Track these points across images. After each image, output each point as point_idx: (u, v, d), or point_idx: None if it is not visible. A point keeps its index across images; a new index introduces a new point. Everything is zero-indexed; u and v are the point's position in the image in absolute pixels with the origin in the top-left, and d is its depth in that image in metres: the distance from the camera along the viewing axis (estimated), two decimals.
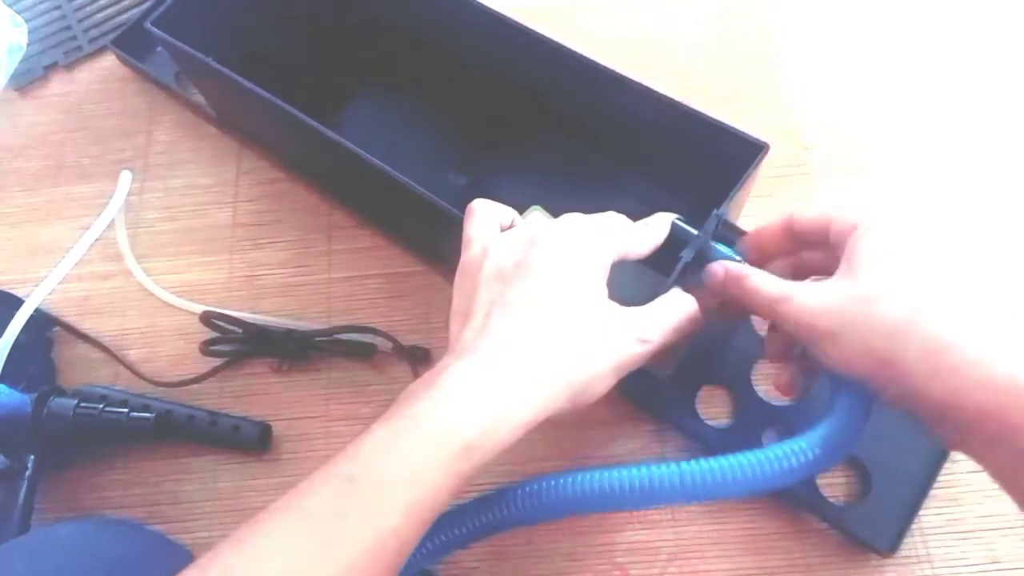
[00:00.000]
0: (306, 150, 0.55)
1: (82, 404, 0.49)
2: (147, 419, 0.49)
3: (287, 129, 0.52)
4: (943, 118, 0.57)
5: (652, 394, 0.49)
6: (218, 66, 0.50)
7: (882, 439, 0.46)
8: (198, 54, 0.50)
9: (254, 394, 0.53)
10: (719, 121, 0.45)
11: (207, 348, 0.53)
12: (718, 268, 0.39)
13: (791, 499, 0.46)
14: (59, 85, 0.66)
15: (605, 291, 0.37)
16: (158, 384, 0.53)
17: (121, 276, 0.57)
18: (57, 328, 0.56)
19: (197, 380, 0.53)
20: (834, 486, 0.46)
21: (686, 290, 0.40)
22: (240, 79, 0.49)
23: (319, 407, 0.52)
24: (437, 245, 0.54)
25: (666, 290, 0.40)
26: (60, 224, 0.60)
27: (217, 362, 0.53)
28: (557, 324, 0.35)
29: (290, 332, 0.53)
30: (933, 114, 0.57)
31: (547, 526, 0.47)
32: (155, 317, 0.56)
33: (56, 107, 0.65)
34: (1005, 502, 0.45)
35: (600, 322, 0.36)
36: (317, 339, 0.52)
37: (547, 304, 0.35)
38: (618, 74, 0.47)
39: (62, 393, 0.50)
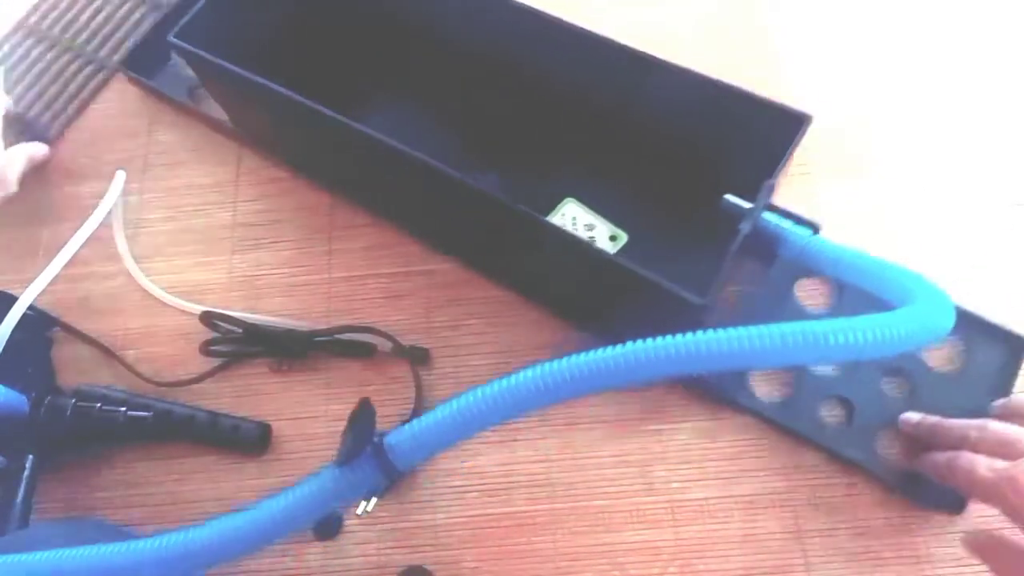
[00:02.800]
0: (336, 155, 0.55)
1: (79, 403, 0.49)
2: (145, 418, 0.49)
3: (319, 135, 0.51)
4: (943, 117, 0.57)
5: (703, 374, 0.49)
6: (254, 76, 0.48)
7: (927, 407, 0.47)
8: (238, 68, 0.49)
9: (254, 394, 0.53)
10: (759, 95, 0.45)
11: (207, 348, 0.53)
12: (909, 419, 0.45)
13: (852, 465, 0.47)
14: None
15: None
16: (159, 384, 0.53)
17: (121, 276, 0.57)
18: (57, 328, 0.56)
19: (197, 380, 0.53)
20: (893, 453, 0.47)
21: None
22: (276, 87, 0.48)
23: (319, 407, 0.52)
24: (476, 240, 0.53)
25: (727, 262, 0.40)
26: (60, 224, 0.60)
27: (217, 362, 0.53)
28: None
29: (290, 332, 0.53)
30: (933, 113, 0.57)
31: (546, 525, 0.47)
32: (155, 317, 0.56)
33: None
34: None
35: None
36: (317, 339, 0.52)
37: None
38: (649, 56, 0.47)
39: (60, 392, 0.50)
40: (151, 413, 0.50)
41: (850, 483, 0.47)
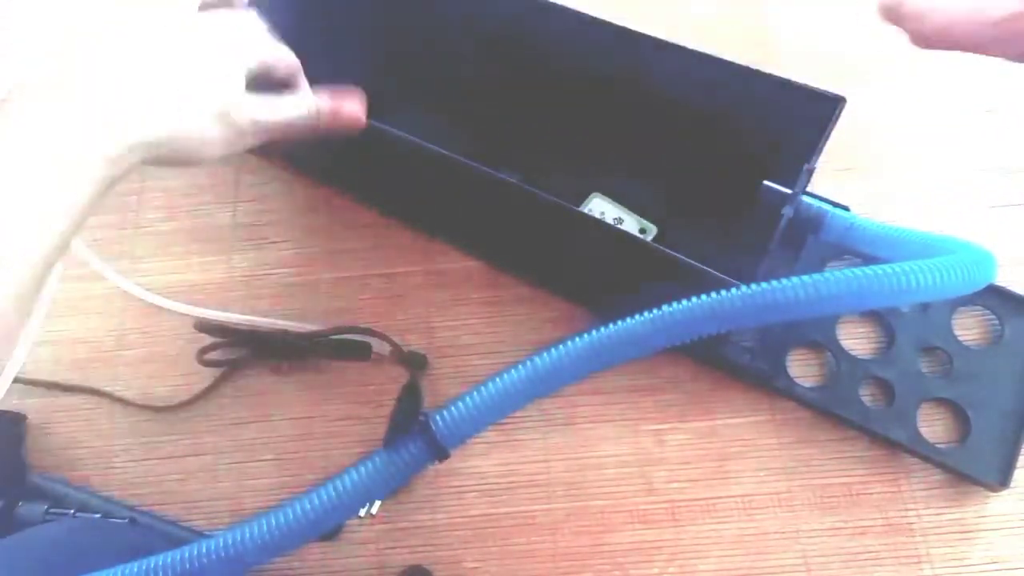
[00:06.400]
0: (372, 164, 0.54)
1: (52, 510, 0.47)
2: (121, 523, 0.47)
3: (360, 145, 0.50)
4: (944, 115, 0.57)
5: (743, 361, 0.49)
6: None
7: (965, 382, 0.48)
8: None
9: (254, 394, 0.53)
10: (790, 80, 0.45)
11: (203, 356, 0.52)
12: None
13: (896, 447, 0.47)
14: None
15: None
16: (156, 409, 0.52)
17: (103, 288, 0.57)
18: (26, 420, 0.53)
19: (196, 399, 0.52)
20: (934, 430, 0.48)
21: None
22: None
23: (319, 407, 0.52)
24: (500, 234, 0.53)
25: (772, 245, 0.41)
26: None
27: (214, 377, 0.53)
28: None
29: (288, 333, 0.52)
30: (933, 111, 0.57)
31: (546, 525, 0.47)
32: (151, 318, 0.56)
33: None
34: (1005, 502, 0.46)
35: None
36: (316, 340, 0.52)
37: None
38: (672, 43, 0.46)
39: (34, 494, 0.48)
40: (127, 520, 0.48)
41: (849, 483, 0.47)
